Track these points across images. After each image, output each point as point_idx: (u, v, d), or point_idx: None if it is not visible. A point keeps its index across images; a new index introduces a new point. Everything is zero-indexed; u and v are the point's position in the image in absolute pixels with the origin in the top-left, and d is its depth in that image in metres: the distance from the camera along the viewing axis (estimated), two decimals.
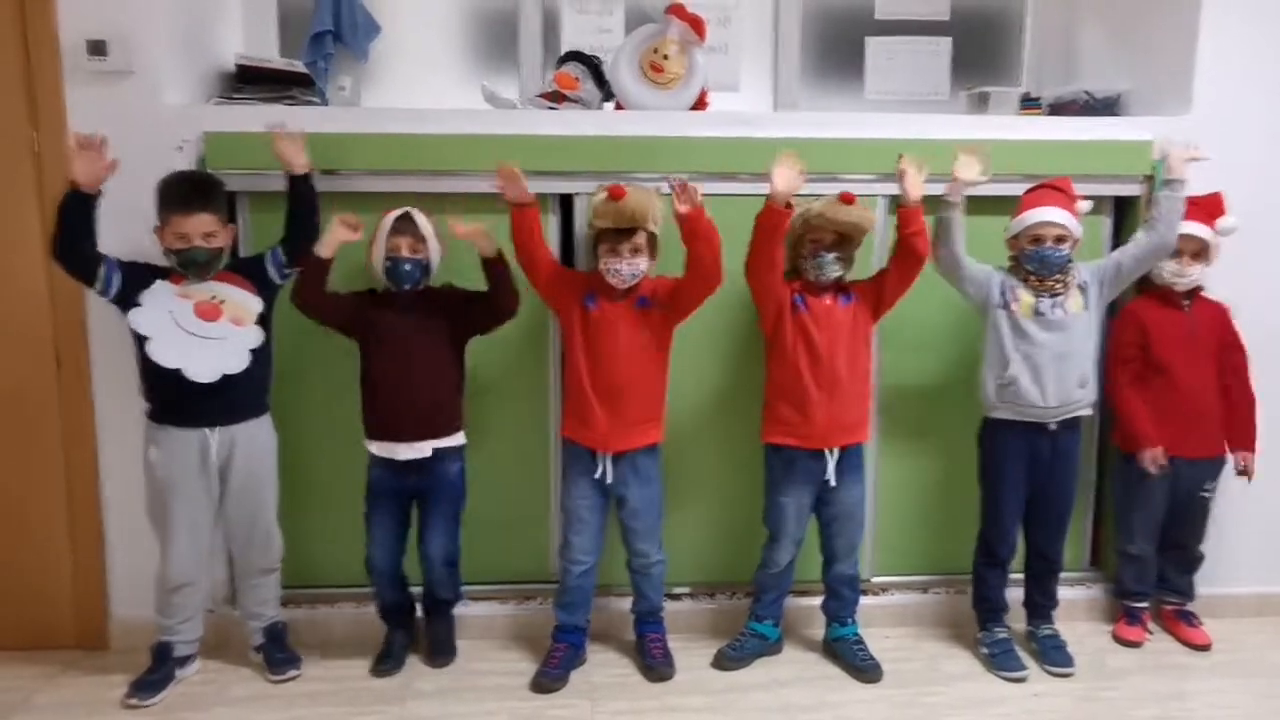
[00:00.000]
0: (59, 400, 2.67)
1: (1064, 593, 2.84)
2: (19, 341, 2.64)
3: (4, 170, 2.58)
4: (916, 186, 2.50)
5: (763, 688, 2.61)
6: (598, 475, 2.55)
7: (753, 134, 2.72)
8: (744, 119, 2.79)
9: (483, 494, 2.74)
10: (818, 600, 2.80)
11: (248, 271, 2.51)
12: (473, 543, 2.72)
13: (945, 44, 3.38)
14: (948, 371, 2.90)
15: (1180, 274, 2.73)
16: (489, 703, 2.49)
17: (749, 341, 2.78)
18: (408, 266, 2.50)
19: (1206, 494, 2.84)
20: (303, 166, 2.47)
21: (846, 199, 2.49)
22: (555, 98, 2.89)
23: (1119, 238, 2.86)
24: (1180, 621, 2.90)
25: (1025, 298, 2.59)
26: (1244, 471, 2.79)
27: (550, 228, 2.73)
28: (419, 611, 2.74)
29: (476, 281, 2.58)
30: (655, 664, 2.65)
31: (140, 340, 2.41)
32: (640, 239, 2.49)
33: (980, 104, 3.10)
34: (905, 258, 2.53)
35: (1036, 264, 2.58)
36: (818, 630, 2.83)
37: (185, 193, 2.41)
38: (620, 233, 2.47)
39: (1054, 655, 2.70)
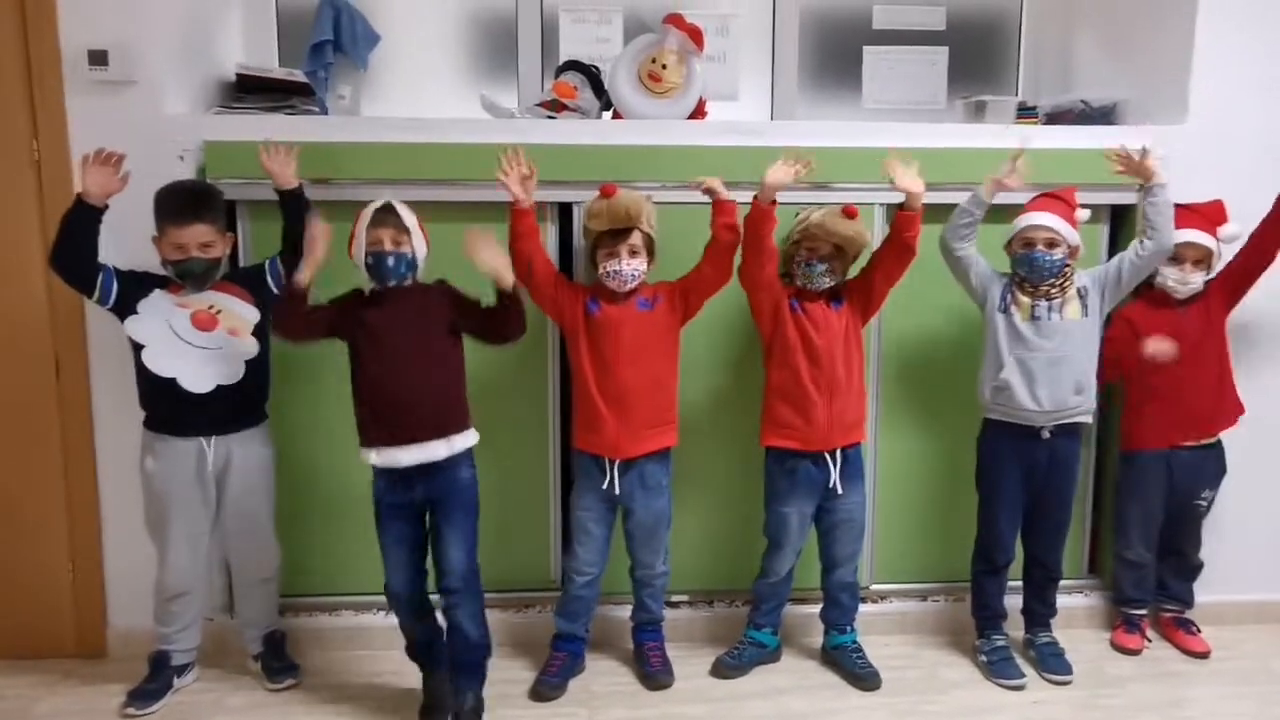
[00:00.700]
0: (58, 409, 2.67)
1: (1062, 600, 2.84)
2: (19, 350, 2.65)
3: (5, 179, 2.59)
4: (914, 183, 2.49)
5: (761, 696, 2.61)
6: (605, 486, 2.55)
7: (751, 143, 2.72)
8: (742, 128, 2.80)
9: (482, 500, 2.70)
10: (816, 608, 2.79)
11: (246, 282, 2.52)
12: None
13: (942, 53, 3.40)
14: (948, 379, 2.90)
15: (1183, 281, 2.73)
16: (488, 711, 2.48)
17: (747, 348, 2.79)
18: (391, 261, 2.31)
19: (1201, 503, 2.84)
20: (290, 181, 2.46)
21: (850, 213, 2.51)
22: (554, 107, 2.90)
23: (1115, 246, 2.86)
24: (1179, 629, 2.90)
25: (1023, 302, 2.60)
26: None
27: (549, 236, 2.73)
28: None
29: (474, 282, 2.51)
30: (654, 672, 2.65)
31: (137, 349, 2.42)
32: (637, 239, 2.49)
33: (977, 113, 3.11)
34: (899, 254, 2.53)
35: (1027, 268, 2.58)
36: (816, 638, 2.83)
37: (181, 204, 2.40)
38: (617, 234, 2.48)
39: (1052, 663, 2.70)
